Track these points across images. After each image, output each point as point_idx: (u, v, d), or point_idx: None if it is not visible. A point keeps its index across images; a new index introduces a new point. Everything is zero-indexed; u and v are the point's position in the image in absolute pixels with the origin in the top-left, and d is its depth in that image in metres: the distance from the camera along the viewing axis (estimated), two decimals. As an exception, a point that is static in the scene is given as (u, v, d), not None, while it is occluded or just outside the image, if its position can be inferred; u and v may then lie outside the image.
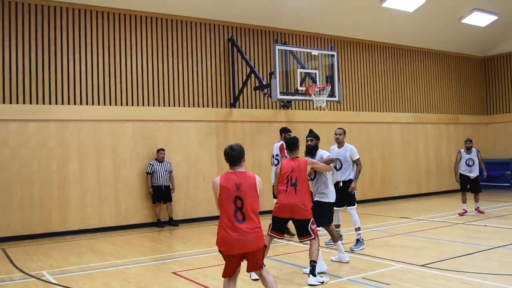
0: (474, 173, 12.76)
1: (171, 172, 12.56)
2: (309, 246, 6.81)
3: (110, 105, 12.24)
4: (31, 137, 11.24)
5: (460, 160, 12.95)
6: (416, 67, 18.43)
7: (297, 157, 7.01)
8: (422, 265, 7.32)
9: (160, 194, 12.38)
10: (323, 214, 7.49)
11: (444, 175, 18.64)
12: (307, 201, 6.76)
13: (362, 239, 8.81)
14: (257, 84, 13.56)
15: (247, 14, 13.97)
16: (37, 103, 11.40)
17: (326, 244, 9.01)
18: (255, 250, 4.96)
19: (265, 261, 5.19)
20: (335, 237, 7.72)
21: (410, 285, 6.29)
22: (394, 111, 17.56)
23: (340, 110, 15.93)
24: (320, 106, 12.73)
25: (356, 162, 8.88)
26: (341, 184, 8.78)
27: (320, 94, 12.54)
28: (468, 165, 12.76)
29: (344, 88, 15.80)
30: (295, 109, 15.04)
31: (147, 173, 12.34)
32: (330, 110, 15.45)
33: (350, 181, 8.80)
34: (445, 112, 19.22)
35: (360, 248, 8.64)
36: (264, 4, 13.66)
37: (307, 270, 6.69)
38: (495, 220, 11.70)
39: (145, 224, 12.38)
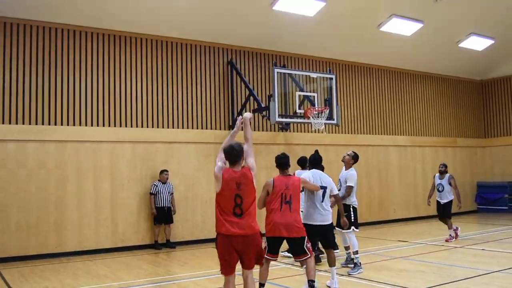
0: (443, 199, 12.37)
1: (172, 194, 12.56)
2: (305, 266, 6.78)
3: (109, 126, 12.27)
4: (29, 158, 11.23)
5: (434, 184, 12.80)
6: (413, 90, 18.54)
7: (289, 174, 7.00)
8: (420, 290, 7.28)
9: (163, 215, 12.36)
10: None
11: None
12: (300, 218, 6.77)
13: (360, 263, 8.77)
14: (256, 107, 13.62)
15: (246, 37, 14.09)
16: (36, 123, 11.42)
17: (342, 266, 9.12)
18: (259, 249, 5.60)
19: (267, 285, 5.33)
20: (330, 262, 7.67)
21: (408, 310, 6.25)
22: (392, 134, 17.61)
23: (338, 133, 15.97)
24: (318, 129, 12.77)
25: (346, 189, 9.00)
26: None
27: (318, 117, 12.59)
28: (439, 190, 12.46)
29: (342, 111, 15.87)
30: (293, 131, 15.08)
31: (151, 193, 12.32)
32: (328, 132, 15.49)
33: (346, 206, 8.85)
34: (442, 135, 19.28)
35: (358, 272, 8.60)
36: (264, 27, 13.79)
37: None
38: (493, 244, 11.66)
39: (143, 246, 12.30)
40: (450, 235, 12.20)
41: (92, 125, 12.05)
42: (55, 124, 11.62)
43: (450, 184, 12.32)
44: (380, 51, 16.51)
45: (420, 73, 18.70)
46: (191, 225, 13.08)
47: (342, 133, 16.14)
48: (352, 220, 8.91)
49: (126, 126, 12.48)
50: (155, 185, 12.36)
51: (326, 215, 7.43)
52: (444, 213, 12.41)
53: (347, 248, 9.13)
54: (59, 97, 11.72)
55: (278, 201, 6.68)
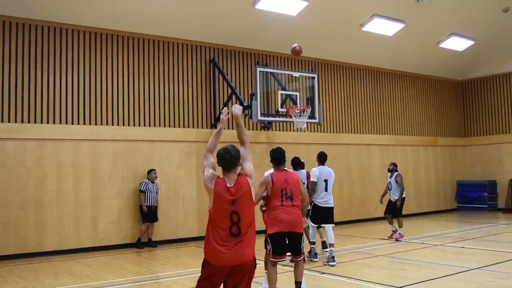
0: (392, 197, 12.59)
1: (157, 193, 12.55)
2: (294, 267, 6.74)
3: (90, 124, 12.16)
4: (8, 157, 11.09)
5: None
6: (395, 90, 18.67)
7: (286, 169, 6.88)
8: (400, 287, 7.33)
9: (151, 214, 12.35)
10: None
11: (423, 197, 18.84)
12: (301, 213, 6.67)
13: (316, 254, 9.76)
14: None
15: (229, 36, 14.07)
16: (15, 121, 11.27)
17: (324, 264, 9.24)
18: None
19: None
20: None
21: (389, 307, 6.30)
22: (374, 133, 17.73)
23: (320, 132, 16.02)
24: (300, 128, 12.80)
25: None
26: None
27: (300, 116, 12.62)
28: (389, 189, 12.73)
29: (324, 110, 15.92)
30: (275, 130, 15.10)
31: (141, 191, 12.26)
32: (310, 131, 15.54)
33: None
34: (423, 134, 19.46)
35: (333, 264, 9.07)
36: (246, 26, 13.79)
37: None
38: (473, 242, 11.80)
39: (124, 245, 12.22)
40: (400, 233, 12.35)
41: (72, 123, 11.93)
42: (35, 122, 11.48)
43: (396, 182, 12.51)
44: (362, 50, 16.60)
45: (401, 72, 18.84)
46: (173, 224, 13.02)
47: (324, 132, 16.20)
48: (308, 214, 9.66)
49: (107, 124, 12.38)
50: (145, 183, 12.31)
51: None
52: (393, 210, 12.57)
53: (313, 243, 9.90)
54: (38, 95, 11.58)
55: (279, 197, 6.48)
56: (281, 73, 13.73)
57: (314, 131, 15.77)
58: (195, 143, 13.50)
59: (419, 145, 19.08)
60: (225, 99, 13.93)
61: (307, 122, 12.88)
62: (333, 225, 9.87)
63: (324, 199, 9.76)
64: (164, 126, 13.21)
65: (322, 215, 9.78)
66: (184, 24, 13.13)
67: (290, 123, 14.12)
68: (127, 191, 12.41)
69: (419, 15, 15.06)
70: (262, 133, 14.79)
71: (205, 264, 4.47)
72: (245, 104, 13.23)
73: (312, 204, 9.73)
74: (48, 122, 11.64)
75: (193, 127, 13.65)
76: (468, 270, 8.51)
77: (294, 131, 14.44)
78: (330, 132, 16.48)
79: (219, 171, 4.67)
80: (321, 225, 10.10)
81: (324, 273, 8.39)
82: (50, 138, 11.56)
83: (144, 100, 12.98)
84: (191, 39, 13.76)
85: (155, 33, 13.16)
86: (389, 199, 12.75)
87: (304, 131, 14.08)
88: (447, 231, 13.78)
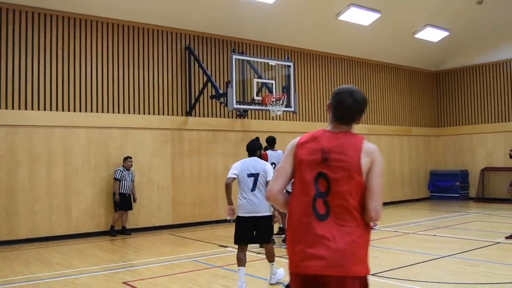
0: None
1: (133, 181, 12.40)
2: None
3: (63, 111, 11.97)
4: (-22, 143, 10.88)
5: None
6: (370, 79, 18.78)
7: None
8: (373, 274, 7.40)
9: (125, 202, 12.20)
10: None
11: (397, 186, 19.06)
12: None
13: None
14: (213, 93, 13.53)
15: (205, 23, 13.95)
16: (-14, 107, 11.06)
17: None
18: None
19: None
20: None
21: (361, 294, 6.36)
22: (349, 122, 17.78)
23: (296, 120, 16.05)
24: (276, 115, 12.80)
25: None
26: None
27: (276, 104, 12.62)
28: None
29: (300, 98, 15.95)
30: (251, 118, 15.07)
31: (115, 178, 12.09)
32: (286, 120, 15.55)
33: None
34: (398, 124, 19.65)
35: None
36: (222, 13, 13.68)
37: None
38: (445, 230, 11.99)
39: (97, 233, 12.11)
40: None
41: (45, 110, 11.73)
42: (6, 108, 11.24)
43: None
44: (338, 40, 16.63)
45: (377, 62, 18.96)
46: (147, 212, 12.94)
47: (300, 120, 16.23)
48: None
49: (80, 111, 12.20)
50: (120, 170, 12.14)
51: None
52: None
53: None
54: (10, 81, 11.34)
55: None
56: (257, 61, 13.70)
57: (290, 120, 15.79)
58: (170, 131, 13.41)
59: (393, 134, 19.26)
60: (201, 86, 13.84)
61: (283, 111, 12.89)
62: None
63: None
64: (139, 113, 13.08)
65: None
66: (160, 10, 12.97)
67: (266, 112, 14.13)
68: (100, 178, 12.27)
69: (395, 5, 15.15)
70: (238, 121, 14.75)
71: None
72: (220, 92, 13.16)
73: None
74: (20, 108, 11.41)
75: (168, 115, 13.54)
76: (440, 258, 8.65)
77: (269, 119, 14.44)
78: (306, 120, 16.51)
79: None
80: None
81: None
82: (22, 124, 11.34)
83: (118, 87, 12.81)
84: (167, 25, 13.60)
85: (130, 19, 12.97)
86: None
87: (279, 119, 14.06)
88: (420, 220, 13.99)
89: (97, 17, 12.52)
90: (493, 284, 6.82)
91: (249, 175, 6.64)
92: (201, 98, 13.87)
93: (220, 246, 10.35)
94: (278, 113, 12.67)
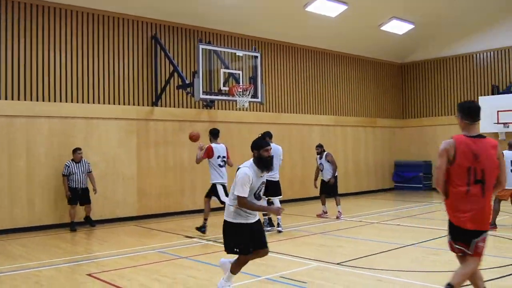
0: (326, 177, 12.91)
1: (90, 172, 12.02)
2: None
3: (25, 100, 11.67)
4: None
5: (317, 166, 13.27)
6: (337, 71, 18.91)
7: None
8: (338, 263, 7.50)
9: (77, 196, 11.79)
10: None
11: (362, 177, 19.31)
12: None
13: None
14: (180, 83, 13.42)
15: (171, 12, 13.79)
16: None
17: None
18: None
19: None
20: None
21: (326, 283, 6.44)
22: (315, 113, 17.93)
23: (262, 111, 16.06)
24: (243, 106, 12.78)
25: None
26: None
27: (243, 95, 12.59)
28: (321, 170, 13.03)
29: (267, 89, 15.96)
30: (217, 109, 15.01)
31: (63, 175, 11.72)
32: (252, 111, 15.54)
33: None
34: (363, 115, 19.86)
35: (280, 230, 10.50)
36: (190, 2, 13.53)
37: None
38: (408, 220, 12.22)
39: (61, 225, 11.88)
40: (339, 211, 12.71)
41: (6, 99, 11.42)
42: (-35, 97, 10.94)
43: (328, 161, 12.80)
44: (305, 31, 16.66)
45: (343, 54, 19.08)
46: (111, 203, 12.77)
47: (266, 111, 16.24)
48: None
49: (43, 100, 11.92)
50: (67, 165, 11.68)
51: None
52: (328, 189, 12.92)
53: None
54: (-31, 68, 11.02)
55: None
56: (224, 52, 13.64)
57: (256, 111, 15.79)
58: (136, 121, 13.25)
59: (359, 125, 19.47)
60: (167, 76, 13.69)
61: (249, 102, 12.88)
62: (280, 196, 10.86)
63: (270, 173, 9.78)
64: (104, 103, 12.86)
65: (268, 189, 9.67)
66: (125, -2, 12.77)
67: (232, 102, 14.08)
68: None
69: (361, -3, 15.25)
70: (204, 112, 14.67)
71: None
72: (187, 82, 13.06)
73: None
74: (-21, 97, 11.10)
75: (133, 105, 13.37)
76: (403, 247, 8.82)
77: (236, 110, 14.40)
78: (273, 111, 16.54)
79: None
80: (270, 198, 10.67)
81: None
82: (-19, 113, 11.04)
83: (82, 75, 12.57)
84: (133, 14, 13.40)
85: (95, 7, 12.72)
86: (322, 180, 13.05)
87: (246, 110, 14.04)
88: (384, 210, 14.22)
89: (61, 4, 12.22)
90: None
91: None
92: (167, 88, 13.74)
93: (186, 237, 10.31)
94: (245, 105, 12.65)
